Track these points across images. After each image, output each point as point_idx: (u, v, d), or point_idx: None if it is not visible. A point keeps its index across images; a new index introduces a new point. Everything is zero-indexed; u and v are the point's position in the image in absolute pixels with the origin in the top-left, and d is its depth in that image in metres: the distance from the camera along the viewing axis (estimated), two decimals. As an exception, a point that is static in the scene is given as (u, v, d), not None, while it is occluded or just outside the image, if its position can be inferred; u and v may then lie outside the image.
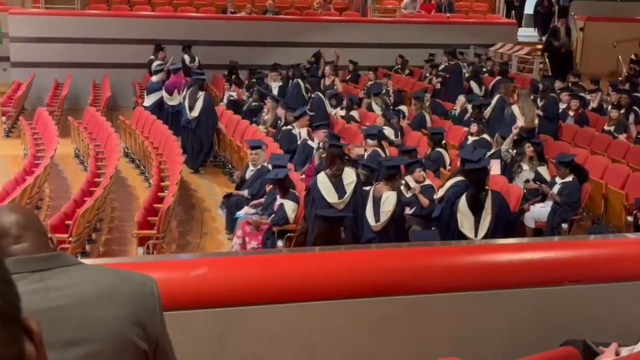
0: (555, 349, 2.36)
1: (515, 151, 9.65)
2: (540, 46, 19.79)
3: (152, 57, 15.71)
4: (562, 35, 18.27)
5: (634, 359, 2.05)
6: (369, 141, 9.91)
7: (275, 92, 13.75)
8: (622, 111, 12.45)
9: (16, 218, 1.85)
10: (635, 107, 12.81)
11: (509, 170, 9.47)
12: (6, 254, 1.74)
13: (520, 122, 11.04)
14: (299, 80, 14.06)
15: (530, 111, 11.37)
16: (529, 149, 9.40)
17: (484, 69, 16.56)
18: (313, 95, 13.15)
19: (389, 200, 7.72)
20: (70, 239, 7.31)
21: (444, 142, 10.42)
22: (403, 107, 13.30)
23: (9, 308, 0.66)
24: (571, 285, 2.91)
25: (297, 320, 2.68)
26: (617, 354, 2.31)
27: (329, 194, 7.94)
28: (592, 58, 18.85)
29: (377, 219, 7.72)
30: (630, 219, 8.62)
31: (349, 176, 8.08)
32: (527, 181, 9.01)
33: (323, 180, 8.04)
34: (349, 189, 7.96)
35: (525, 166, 9.32)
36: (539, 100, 12.55)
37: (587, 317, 2.77)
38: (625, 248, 3.41)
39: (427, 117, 12.35)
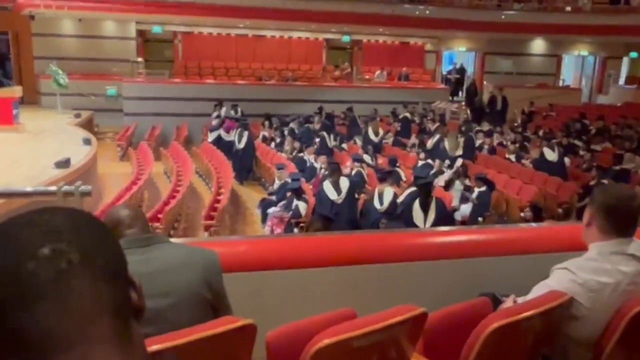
0: (473, 299, 2.35)
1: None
2: (463, 103, 19.86)
3: (215, 110, 15.83)
4: (499, 100, 18.32)
5: (525, 305, 2.04)
6: (355, 163, 9.94)
7: (297, 131, 13.84)
8: (517, 145, 12.46)
9: (128, 212, 1.87)
10: (525, 143, 12.83)
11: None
12: (122, 236, 1.77)
13: (450, 152, 11.17)
14: (309, 125, 14.15)
15: (453, 145, 11.49)
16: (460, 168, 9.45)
17: (429, 117, 16.61)
18: (320, 134, 13.22)
19: (388, 192, 7.96)
20: (161, 226, 7.33)
21: (398, 163, 10.44)
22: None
23: (120, 268, 0.66)
24: (485, 258, 2.90)
25: (305, 279, 2.67)
26: (514, 302, 2.30)
27: (331, 193, 7.95)
28: (498, 111, 18.85)
29: (381, 204, 7.85)
30: (522, 215, 8.62)
31: (344, 182, 8.11)
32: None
33: (327, 185, 8.07)
34: (344, 190, 7.97)
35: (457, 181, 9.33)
36: (460, 136, 12.57)
37: (496, 278, 2.76)
38: (520, 234, 3.39)
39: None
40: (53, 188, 2.99)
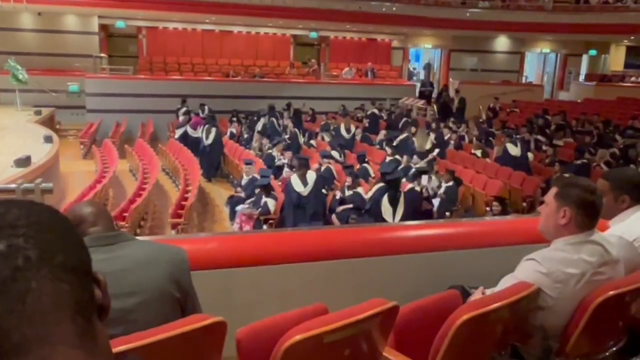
0: (443, 292, 2.36)
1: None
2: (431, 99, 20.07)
3: (179, 106, 15.59)
4: (453, 96, 18.53)
5: (493, 297, 2.06)
6: (324, 160, 9.95)
7: (261, 127, 13.72)
8: (482, 141, 12.65)
9: (92, 209, 1.81)
10: (490, 138, 13.03)
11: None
12: (85, 234, 1.71)
13: (417, 147, 11.29)
14: (274, 120, 14.06)
15: (422, 141, 11.59)
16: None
17: (396, 113, 16.71)
18: (291, 130, 13.16)
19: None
20: (127, 224, 7.17)
21: (367, 159, 10.48)
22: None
23: (83, 265, 0.63)
24: (453, 251, 2.93)
25: (276, 276, 2.65)
26: (482, 293, 2.33)
27: (298, 185, 7.95)
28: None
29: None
30: (488, 209, 8.77)
31: (311, 175, 8.11)
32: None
33: (294, 179, 8.05)
34: (311, 182, 7.97)
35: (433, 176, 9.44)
36: (431, 133, 12.70)
37: (464, 271, 2.79)
38: (486, 227, 3.45)
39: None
40: (12, 185, 2.89)
